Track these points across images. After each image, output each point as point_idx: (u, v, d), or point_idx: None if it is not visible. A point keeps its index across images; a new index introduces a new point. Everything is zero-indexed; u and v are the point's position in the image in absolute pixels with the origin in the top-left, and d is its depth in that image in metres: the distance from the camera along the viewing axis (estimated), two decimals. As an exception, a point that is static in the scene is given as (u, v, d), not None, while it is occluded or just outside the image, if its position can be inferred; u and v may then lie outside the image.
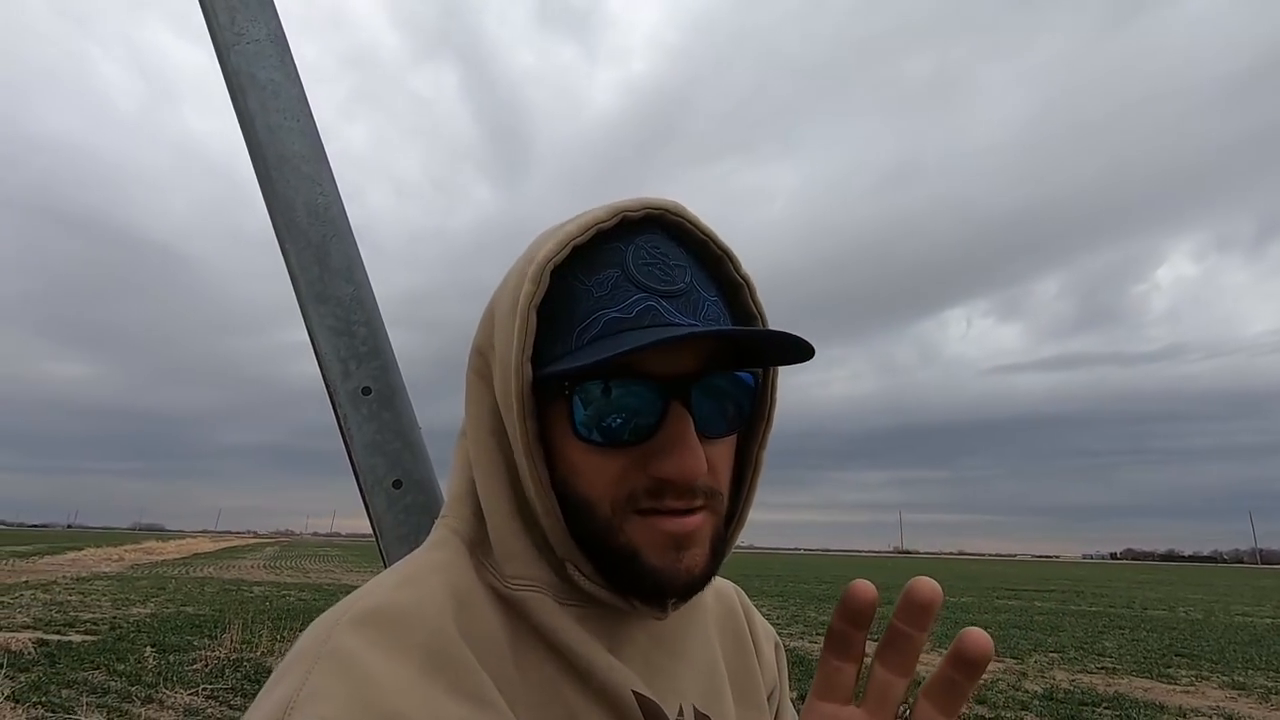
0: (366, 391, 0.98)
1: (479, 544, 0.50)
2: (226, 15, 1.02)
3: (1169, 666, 8.88)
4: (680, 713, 0.50)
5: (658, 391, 0.44)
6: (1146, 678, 8.16)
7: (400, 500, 0.96)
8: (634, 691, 0.46)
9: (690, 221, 0.48)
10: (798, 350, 0.45)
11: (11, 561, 22.98)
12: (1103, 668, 8.71)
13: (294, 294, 1.00)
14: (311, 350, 0.99)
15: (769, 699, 0.63)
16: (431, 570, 0.46)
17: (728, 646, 0.60)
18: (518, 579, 0.47)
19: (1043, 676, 7.97)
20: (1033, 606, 17.50)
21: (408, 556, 0.50)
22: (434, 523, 0.97)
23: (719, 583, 0.63)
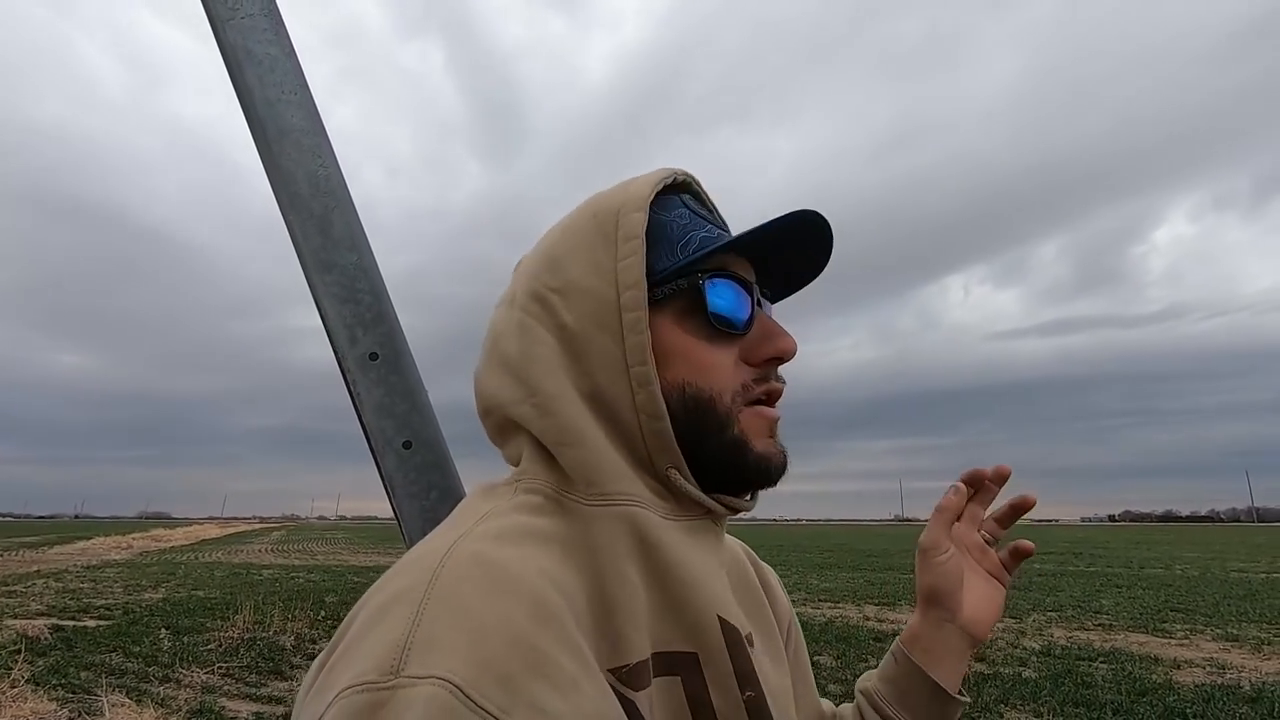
0: (374, 357, 1.02)
1: (562, 486, 0.49)
2: (220, -10, 1.04)
3: (1165, 621, 9.07)
4: (749, 639, 0.51)
5: (748, 287, 0.53)
6: (1142, 632, 8.34)
7: (411, 460, 1.00)
8: (718, 615, 0.48)
9: (704, 192, 0.60)
10: (817, 257, 0.58)
11: (22, 552, 23.20)
12: (1100, 624, 8.88)
13: (299, 265, 1.02)
14: (320, 319, 1.02)
15: (789, 631, 0.68)
16: (523, 533, 0.45)
17: (738, 590, 0.61)
18: (622, 494, 0.47)
19: (1041, 634, 8.13)
20: (1031, 569, 17.75)
21: (486, 510, 0.48)
22: (443, 479, 1.01)
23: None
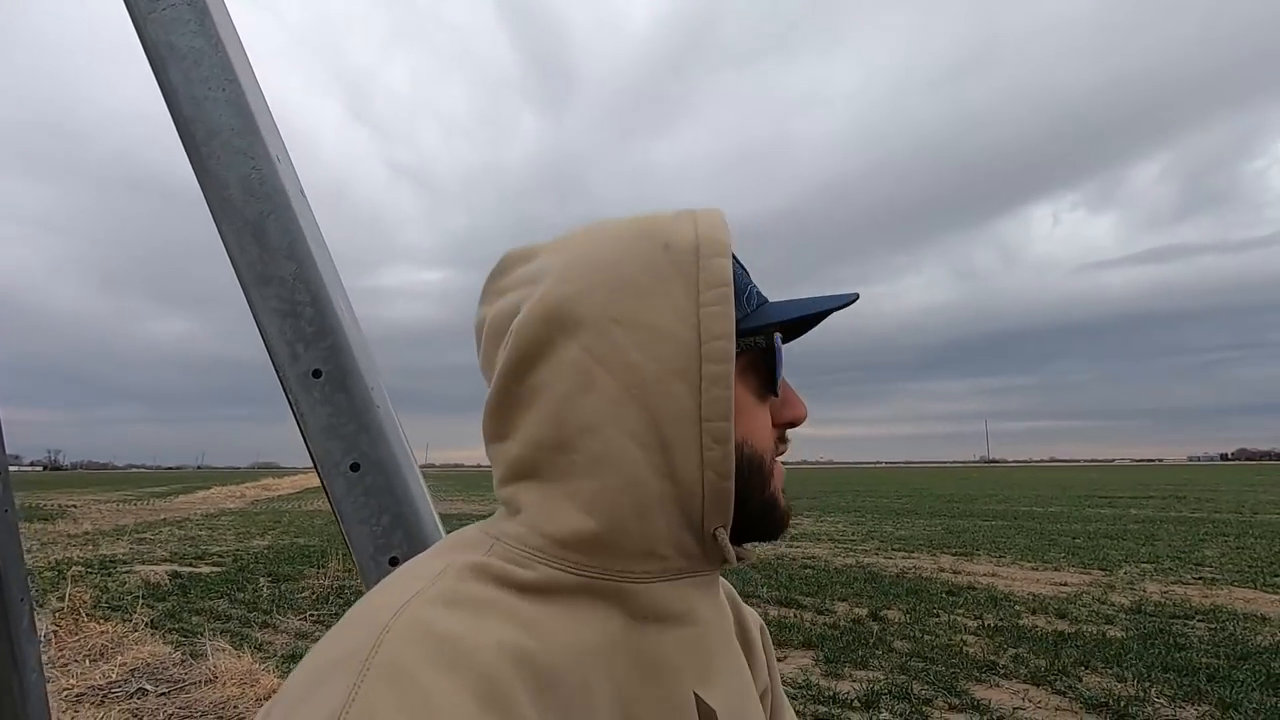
0: (317, 374, 0.95)
1: (552, 553, 0.44)
2: (134, -19, 0.96)
3: (1277, 575, 8.39)
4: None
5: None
6: (1249, 588, 7.75)
7: (359, 483, 0.94)
8: (694, 693, 0.46)
9: None
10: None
11: (152, 501, 25.76)
12: (1200, 578, 8.32)
13: (236, 280, 0.96)
14: (259, 335, 0.96)
15: (767, 694, 0.61)
16: (483, 601, 0.40)
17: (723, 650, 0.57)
18: (645, 571, 0.45)
19: (1132, 589, 7.70)
20: (1127, 515, 16.82)
21: (444, 566, 0.43)
22: (395, 504, 0.95)
23: None
